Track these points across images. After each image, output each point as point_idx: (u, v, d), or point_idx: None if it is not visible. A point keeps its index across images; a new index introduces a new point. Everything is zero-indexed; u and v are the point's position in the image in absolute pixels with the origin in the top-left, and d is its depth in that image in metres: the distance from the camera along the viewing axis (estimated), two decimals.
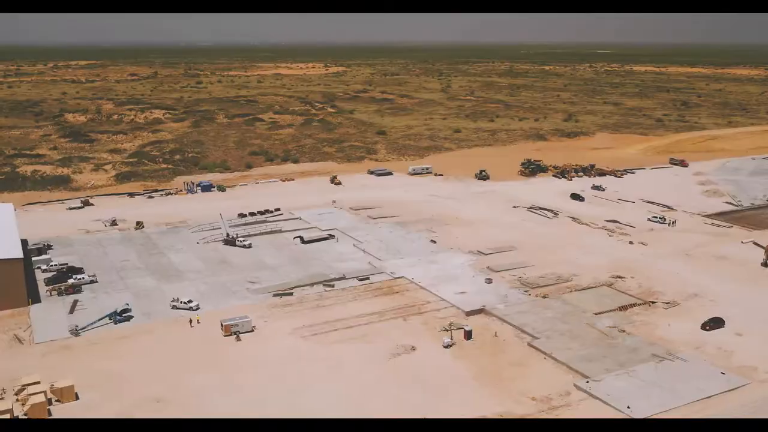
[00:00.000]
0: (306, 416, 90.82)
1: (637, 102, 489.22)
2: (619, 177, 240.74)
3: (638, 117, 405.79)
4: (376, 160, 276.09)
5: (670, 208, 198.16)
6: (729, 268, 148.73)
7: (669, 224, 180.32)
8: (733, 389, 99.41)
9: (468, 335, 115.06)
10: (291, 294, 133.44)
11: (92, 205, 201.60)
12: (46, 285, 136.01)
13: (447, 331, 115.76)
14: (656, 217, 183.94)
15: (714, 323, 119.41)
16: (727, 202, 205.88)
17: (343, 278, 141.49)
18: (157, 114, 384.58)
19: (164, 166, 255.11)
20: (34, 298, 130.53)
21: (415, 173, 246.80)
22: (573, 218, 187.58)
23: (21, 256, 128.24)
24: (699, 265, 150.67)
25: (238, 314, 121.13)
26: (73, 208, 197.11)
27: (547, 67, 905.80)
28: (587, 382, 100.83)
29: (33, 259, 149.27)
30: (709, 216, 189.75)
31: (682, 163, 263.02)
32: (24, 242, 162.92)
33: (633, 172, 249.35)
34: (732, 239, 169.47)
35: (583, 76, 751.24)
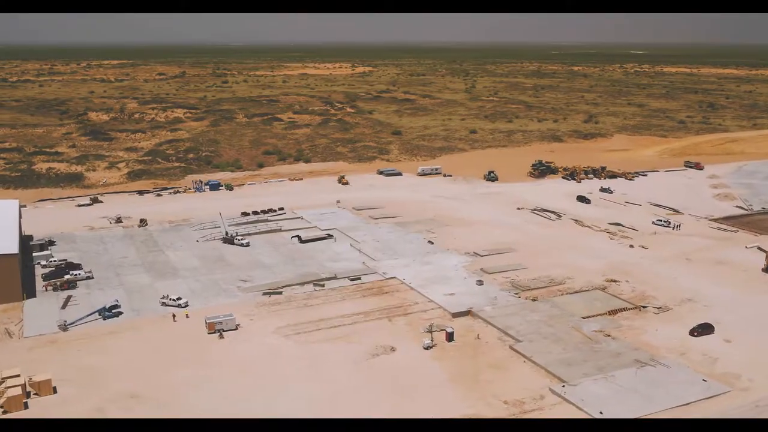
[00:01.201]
0: (276, 415, 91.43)
1: (663, 103, 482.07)
2: (630, 179, 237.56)
3: (661, 119, 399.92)
4: (388, 160, 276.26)
5: (676, 211, 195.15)
6: (728, 273, 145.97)
7: (673, 228, 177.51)
8: (712, 396, 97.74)
9: (449, 337, 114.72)
10: (280, 293, 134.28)
11: (101, 202, 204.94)
12: (43, 280, 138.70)
13: (429, 332, 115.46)
14: (660, 221, 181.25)
15: (703, 329, 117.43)
16: (737, 206, 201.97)
17: (335, 278, 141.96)
18: (178, 113, 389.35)
19: (177, 164, 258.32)
20: (30, 293, 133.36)
21: (424, 174, 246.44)
22: (576, 220, 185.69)
23: (16, 251, 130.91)
24: (698, 270, 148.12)
25: (226, 312, 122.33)
26: (82, 205, 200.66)
27: (575, 68, 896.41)
28: (563, 386, 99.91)
29: (33, 254, 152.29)
30: (715, 220, 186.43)
31: (697, 166, 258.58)
32: (29, 238, 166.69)
33: (645, 175, 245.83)
34: (736, 244, 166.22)
35: (611, 77, 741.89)
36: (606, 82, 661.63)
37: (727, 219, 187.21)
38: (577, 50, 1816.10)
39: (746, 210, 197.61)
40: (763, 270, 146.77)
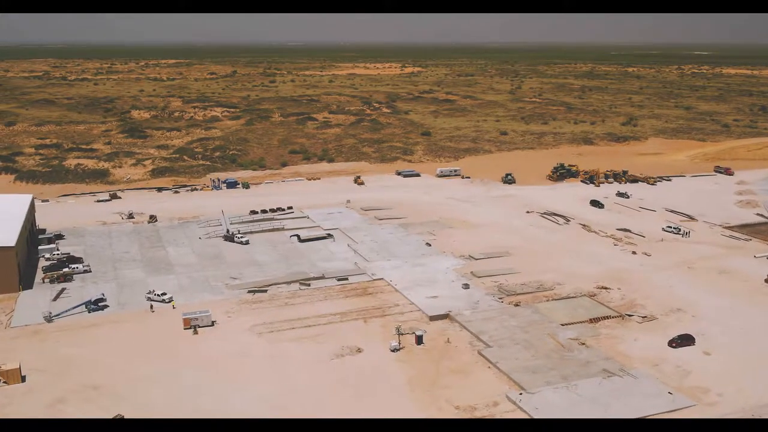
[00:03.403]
0: (229, 413, 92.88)
1: (712, 106, 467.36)
2: (652, 184, 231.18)
3: (705, 122, 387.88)
4: (410, 161, 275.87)
5: (691, 217, 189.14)
6: (728, 283, 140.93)
7: (683, 235, 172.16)
8: (674, 410, 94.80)
9: (419, 340, 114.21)
10: (265, 291, 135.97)
11: (119, 198, 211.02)
12: (43, 273, 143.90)
13: (398, 334, 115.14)
14: (671, 227, 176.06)
15: (683, 340, 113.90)
16: (758, 214, 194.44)
17: (322, 278, 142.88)
18: (217, 112, 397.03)
19: (201, 162, 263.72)
20: (29, 284, 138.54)
21: (442, 175, 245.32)
22: (583, 225, 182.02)
23: (13, 244, 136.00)
24: (697, 279, 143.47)
25: (209, 308, 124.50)
26: (101, 201, 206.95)
27: (630, 69, 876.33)
28: (521, 394, 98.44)
29: (39, 248, 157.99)
30: (729, 228, 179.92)
31: (727, 172, 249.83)
32: (41, 231, 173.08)
33: (669, 180, 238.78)
34: (745, 253, 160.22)
35: (666, 78, 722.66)
36: (658, 84, 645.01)
37: (743, 227, 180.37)
38: (637, 51, 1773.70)
39: (766, 218, 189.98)
40: (765, 281, 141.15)
